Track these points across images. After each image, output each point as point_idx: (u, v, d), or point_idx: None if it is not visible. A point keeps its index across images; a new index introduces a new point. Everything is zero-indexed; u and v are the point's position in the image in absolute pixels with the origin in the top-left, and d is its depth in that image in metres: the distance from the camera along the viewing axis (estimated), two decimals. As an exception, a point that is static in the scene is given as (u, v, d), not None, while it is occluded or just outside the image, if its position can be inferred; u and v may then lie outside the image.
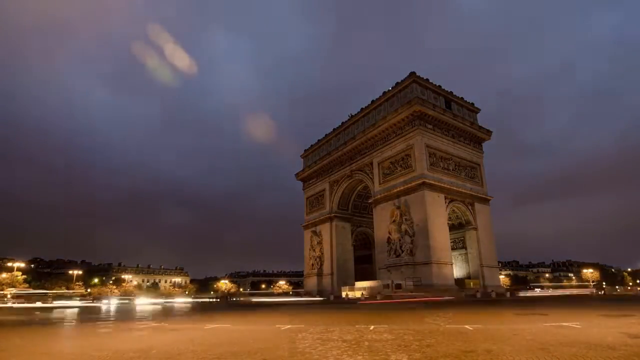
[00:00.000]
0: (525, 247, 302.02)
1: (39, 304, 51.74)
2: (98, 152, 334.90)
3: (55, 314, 30.89)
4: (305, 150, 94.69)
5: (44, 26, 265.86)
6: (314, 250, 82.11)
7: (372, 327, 13.51)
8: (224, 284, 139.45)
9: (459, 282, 59.16)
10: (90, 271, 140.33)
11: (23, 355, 9.24)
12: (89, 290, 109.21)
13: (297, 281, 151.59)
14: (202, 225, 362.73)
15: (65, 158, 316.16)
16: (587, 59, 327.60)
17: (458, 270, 63.00)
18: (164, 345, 10.51)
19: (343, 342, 10.04)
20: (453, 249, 62.03)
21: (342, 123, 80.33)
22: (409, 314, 21.66)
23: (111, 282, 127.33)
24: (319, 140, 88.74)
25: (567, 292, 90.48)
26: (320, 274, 79.17)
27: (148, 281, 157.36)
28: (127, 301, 69.70)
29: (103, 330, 15.76)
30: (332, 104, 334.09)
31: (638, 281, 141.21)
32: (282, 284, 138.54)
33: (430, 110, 60.79)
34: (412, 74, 63.03)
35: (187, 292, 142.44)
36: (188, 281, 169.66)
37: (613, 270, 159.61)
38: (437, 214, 56.72)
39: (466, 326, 13.20)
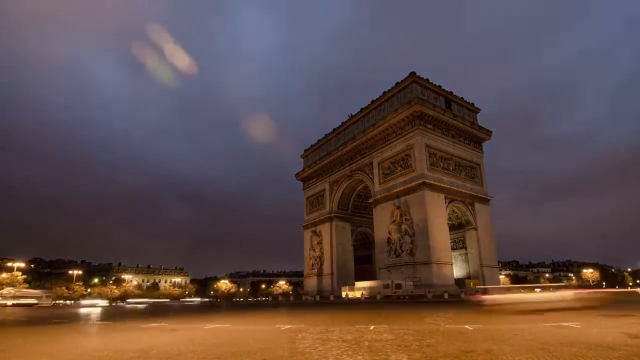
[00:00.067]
0: (525, 247, 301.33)
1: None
2: (98, 145, 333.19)
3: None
4: (305, 150, 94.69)
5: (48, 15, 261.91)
6: (314, 250, 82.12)
7: (372, 327, 13.51)
8: (224, 284, 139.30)
9: (459, 282, 59.14)
10: (90, 271, 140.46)
11: (23, 356, 9.24)
12: (89, 290, 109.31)
13: (297, 281, 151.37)
14: (202, 223, 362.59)
15: (64, 152, 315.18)
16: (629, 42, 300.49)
17: (458, 270, 63.04)
18: (164, 345, 10.51)
19: (343, 342, 10.03)
20: (453, 249, 62.06)
21: (342, 123, 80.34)
22: (409, 314, 21.68)
23: (111, 282, 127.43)
24: (319, 140, 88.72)
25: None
26: (320, 274, 79.19)
27: (148, 281, 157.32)
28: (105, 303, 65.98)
29: (103, 331, 15.73)
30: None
31: (638, 281, 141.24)
32: (282, 284, 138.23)
33: (430, 110, 60.83)
34: (412, 73, 63.08)
35: (187, 292, 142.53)
36: (188, 281, 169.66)
37: (613, 270, 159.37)
38: (437, 214, 56.75)
39: (466, 326, 13.19)
